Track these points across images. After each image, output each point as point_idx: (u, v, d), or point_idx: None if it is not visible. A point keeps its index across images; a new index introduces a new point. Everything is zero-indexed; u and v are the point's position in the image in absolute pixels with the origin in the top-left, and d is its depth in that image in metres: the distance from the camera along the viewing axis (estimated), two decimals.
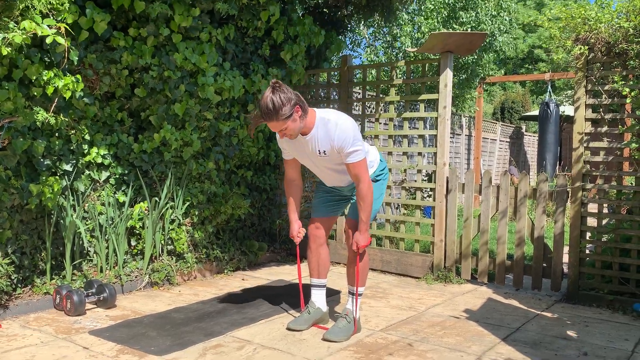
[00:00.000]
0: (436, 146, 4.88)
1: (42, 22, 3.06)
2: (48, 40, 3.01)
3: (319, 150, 3.09)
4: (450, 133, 10.84)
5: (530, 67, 26.13)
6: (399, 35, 8.80)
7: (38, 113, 3.33)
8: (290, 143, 3.21)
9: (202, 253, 4.72)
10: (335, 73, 5.56)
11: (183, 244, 4.51)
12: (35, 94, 3.53)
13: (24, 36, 2.91)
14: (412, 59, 5.59)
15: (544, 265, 4.49)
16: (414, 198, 5.16)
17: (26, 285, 3.83)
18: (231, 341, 3.15)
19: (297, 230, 3.43)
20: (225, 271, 4.89)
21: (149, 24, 3.97)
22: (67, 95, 3.55)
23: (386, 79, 5.62)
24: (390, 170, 5.24)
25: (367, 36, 10.59)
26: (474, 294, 4.41)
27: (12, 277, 3.69)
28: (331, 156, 3.09)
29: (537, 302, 4.19)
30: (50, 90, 3.49)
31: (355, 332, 3.29)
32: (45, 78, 3.47)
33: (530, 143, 15.91)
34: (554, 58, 4.35)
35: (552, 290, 4.42)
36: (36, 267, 3.91)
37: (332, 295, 4.16)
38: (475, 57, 9.37)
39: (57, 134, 3.88)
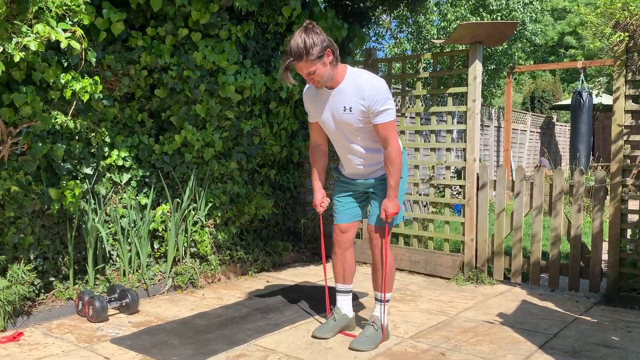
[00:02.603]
0: (465, 141, 4.69)
1: (56, 26, 2.98)
2: (63, 45, 2.93)
3: (344, 107, 2.89)
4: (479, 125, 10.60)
5: (561, 53, 25.42)
6: (424, 23, 8.52)
7: (57, 117, 3.26)
8: (315, 100, 3.04)
9: (225, 255, 4.63)
10: (360, 67, 5.40)
11: (206, 246, 4.43)
12: (53, 97, 3.47)
13: (38, 41, 2.83)
14: (439, 51, 5.39)
15: (582, 264, 4.27)
16: (443, 195, 4.99)
17: (49, 290, 3.80)
18: (255, 350, 3.05)
19: (320, 199, 3.27)
20: (250, 273, 4.80)
21: (166, 22, 3.87)
22: (85, 98, 3.48)
23: (412, 71, 5.43)
24: (417, 167, 5.08)
25: (391, 28, 10.37)
26: (507, 295, 4.22)
27: (35, 283, 3.66)
28: (357, 115, 2.90)
29: (575, 305, 3.98)
30: (68, 93, 3.42)
31: (384, 340, 3.15)
32: (62, 81, 3.40)
33: (562, 133, 15.46)
34: (590, 46, 4.12)
35: (590, 292, 4.20)
36: (59, 272, 3.87)
37: (359, 299, 4.03)
38: (505, 46, 9.07)
39: (77, 137, 3.83)
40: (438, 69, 4.97)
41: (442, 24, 8.25)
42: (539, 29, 9.51)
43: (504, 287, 4.46)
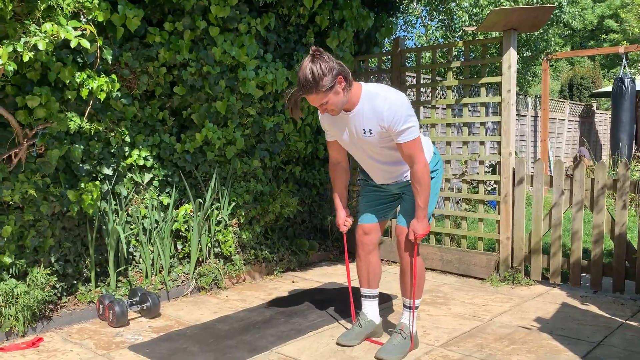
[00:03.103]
0: (500, 134, 4.44)
1: (67, 23, 2.88)
2: (73, 44, 2.82)
3: (363, 130, 2.72)
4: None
5: (601, 38, 24.48)
6: (455, 10, 8.17)
7: (71, 120, 3.18)
8: (332, 122, 2.87)
9: (250, 254, 4.52)
10: (387, 58, 5.19)
11: (230, 246, 4.32)
12: (69, 97, 3.39)
13: (46, 40, 2.73)
14: (470, 39, 5.13)
15: (627, 265, 3.99)
16: (477, 192, 4.75)
17: (71, 293, 3.75)
18: (276, 359, 2.91)
19: (343, 218, 3.11)
20: (275, 272, 4.68)
21: (184, 16, 3.75)
22: (102, 97, 3.39)
23: (443, 61, 5.19)
24: (449, 161, 4.85)
25: (422, 15, 10.04)
26: (546, 297, 3.98)
27: (57, 286, 3.61)
28: (378, 136, 2.72)
29: (620, 308, 3.72)
30: (84, 92, 3.33)
31: (412, 349, 2.97)
32: (78, 80, 3.31)
33: (602, 121, 14.85)
34: (635, 30, 3.81)
35: (637, 294, 3.92)
36: (81, 274, 3.81)
37: (386, 302, 3.85)
38: (540, 31, 8.67)
39: (96, 138, 3.75)
40: (470, 58, 4.72)
41: (474, 10, 7.90)
42: (577, 13, 9.04)
43: (542, 288, 4.21)
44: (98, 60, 3.41)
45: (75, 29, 2.89)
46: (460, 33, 8.55)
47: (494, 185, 4.65)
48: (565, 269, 4.25)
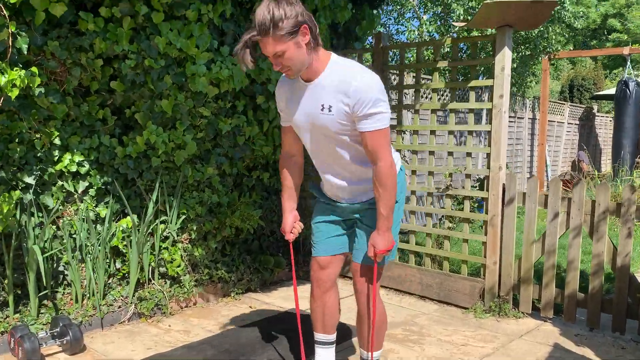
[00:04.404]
0: (489, 145, 3.91)
1: None
2: None
3: (322, 105, 2.22)
4: (511, 116, 9.65)
5: (603, 38, 23.89)
6: (449, 2, 7.55)
7: None
8: (289, 95, 2.34)
9: (203, 274, 3.99)
10: (369, 54, 4.64)
11: (177, 266, 3.79)
12: None
13: None
14: (460, 36, 4.58)
15: (629, 301, 3.48)
16: (462, 209, 4.22)
17: None
18: None
19: (290, 224, 2.55)
20: (233, 294, 4.14)
21: (122, 1, 3.19)
22: (14, 94, 2.84)
23: (430, 60, 4.64)
24: (431, 173, 4.32)
25: (415, 7, 9.43)
26: (536, 336, 3.46)
27: None
28: (338, 118, 2.21)
29: (620, 352, 3.21)
30: None
31: None
32: None
33: (603, 125, 14.31)
34: (638, 30, 3.26)
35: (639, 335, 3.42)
36: None
37: (346, 340, 3.31)
38: (541, 29, 8.10)
39: (16, 140, 3.20)
40: (460, 58, 4.17)
41: (470, 2, 7.29)
42: (581, 12, 8.47)
43: (532, 323, 3.70)
44: (9, 50, 2.86)
45: None
46: (457, 29, 7.96)
47: (481, 202, 4.13)
48: (559, 301, 3.73)
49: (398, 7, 9.22)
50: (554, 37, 8.04)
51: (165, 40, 3.30)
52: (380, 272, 2.43)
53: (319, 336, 2.65)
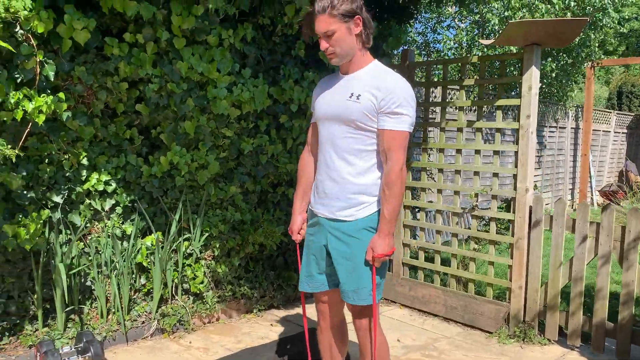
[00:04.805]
0: (516, 166, 3.81)
1: None
2: None
3: (351, 93, 2.24)
4: (553, 126, 9.37)
5: None
6: (484, 12, 7.37)
7: None
8: (322, 89, 2.41)
9: (226, 290, 4.04)
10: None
11: (200, 283, 3.85)
12: (5, 119, 2.97)
13: None
14: (500, 52, 4.49)
15: None
16: (487, 230, 4.12)
17: (14, 333, 3.36)
18: None
19: (299, 224, 2.53)
20: (255, 311, 4.18)
21: (144, 27, 3.27)
22: (40, 120, 2.96)
23: (456, 77, 4.56)
24: (457, 193, 4.25)
25: (452, 14, 9.25)
26: None
27: None
28: (362, 106, 2.20)
29: None
30: (19, 115, 2.91)
31: None
32: (12, 101, 2.89)
33: None
34: None
35: None
36: (27, 311, 3.42)
37: None
38: (582, 36, 7.82)
39: (46, 160, 3.34)
40: (486, 76, 4.10)
41: (506, 12, 7.10)
42: (625, 16, 8.12)
43: (558, 351, 3.58)
44: (37, 78, 2.98)
45: None
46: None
47: (508, 224, 4.03)
48: (587, 329, 3.60)
49: (435, 15, 9.09)
50: (596, 45, 7.75)
51: (187, 65, 3.37)
52: (377, 301, 2.38)
53: None
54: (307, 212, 2.57)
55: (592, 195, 10.45)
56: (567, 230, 3.66)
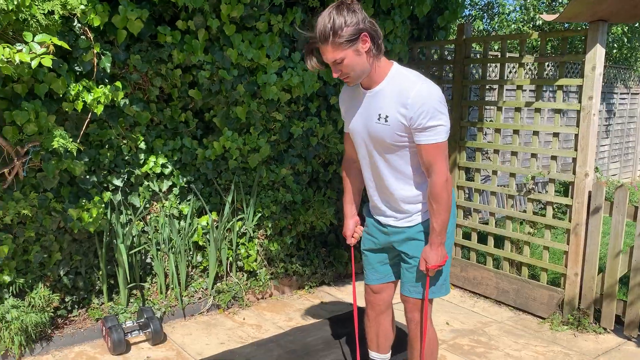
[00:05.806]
0: (576, 149, 3.65)
1: (33, 40, 2.54)
2: (33, 65, 2.49)
3: (379, 115, 2.19)
4: (624, 92, 8.82)
5: None
6: None
7: (54, 138, 2.90)
8: (349, 103, 2.35)
9: (279, 267, 4.16)
10: (451, 46, 4.46)
11: (252, 262, 3.98)
12: (67, 110, 3.12)
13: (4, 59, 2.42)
14: (550, 30, 4.26)
15: None
16: (544, 215, 4.01)
17: (83, 306, 3.61)
18: None
19: (351, 228, 2.58)
20: (306, 287, 4.30)
21: (195, 14, 3.31)
22: (99, 110, 3.08)
23: (515, 54, 4.36)
24: (513, 174, 4.13)
25: None
26: (614, 357, 3.27)
27: (66, 300, 3.48)
28: (393, 127, 2.16)
29: None
30: (79, 106, 3.05)
31: None
32: (72, 93, 3.02)
33: None
34: None
35: None
36: (94, 286, 3.66)
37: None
38: None
39: (106, 146, 3.49)
40: (546, 54, 3.89)
41: None
42: None
43: (613, 341, 3.49)
44: (95, 69, 3.10)
45: (40, 44, 2.54)
46: (539, 22, 7.19)
47: (565, 209, 3.89)
48: None
49: None
50: None
51: (237, 51, 3.39)
52: (431, 298, 2.41)
53: (373, 354, 2.70)
54: (366, 221, 2.60)
55: None
56: (628, 218, 3.51)
